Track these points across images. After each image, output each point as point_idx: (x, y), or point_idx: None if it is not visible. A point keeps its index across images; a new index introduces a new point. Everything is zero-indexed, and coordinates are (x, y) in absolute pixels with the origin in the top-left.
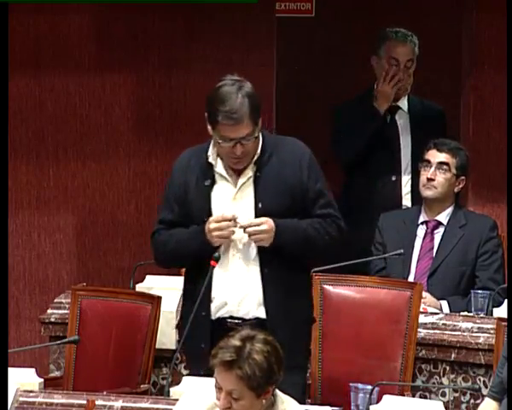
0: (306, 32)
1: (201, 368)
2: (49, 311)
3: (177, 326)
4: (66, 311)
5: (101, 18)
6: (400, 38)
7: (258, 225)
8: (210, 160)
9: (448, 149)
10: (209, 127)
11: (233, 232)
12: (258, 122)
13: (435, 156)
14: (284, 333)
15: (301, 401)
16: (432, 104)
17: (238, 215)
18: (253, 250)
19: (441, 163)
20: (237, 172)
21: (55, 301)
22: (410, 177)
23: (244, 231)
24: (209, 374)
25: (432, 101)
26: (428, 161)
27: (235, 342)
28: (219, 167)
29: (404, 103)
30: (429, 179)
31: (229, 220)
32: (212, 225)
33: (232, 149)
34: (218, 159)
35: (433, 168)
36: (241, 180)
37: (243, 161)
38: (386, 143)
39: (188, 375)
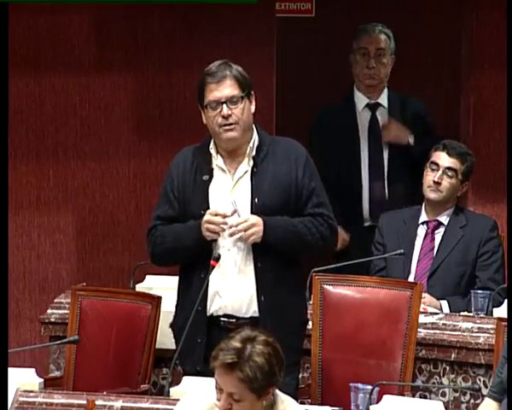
0: (306, 32)
1: (197, 364)
2: (49, 311)
3: (171, 326)
4: (66, 311)
5: (101, 18)
6: (367, 29)
7: (246, 221)
8: (211, 151)
9: (457, 153)
10: (203, 115)
11: (223, 230)
12: (245, 90)
13: (444, 160)
14: (277, 331)
15: (294, 399)
16: (412, 99)
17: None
18: (247, 245)
19: (449, 168)
20: (235, 166)
21: (55, 301)
22: None
23: (235, 233)
24: (205, 371)
25: (413, 96)
26: (436, 164)
27: (236, 343)
28: (219, 160)
29: (384, 100)
30: (436, 183)
31: (223, 218)
32: (206, 216)
33: (220, 114)
34: (218, 155)
35: (440, 172)
36: (239, 174)
37: (234, 130)
38: (369, 140)
39: (184, 374)
